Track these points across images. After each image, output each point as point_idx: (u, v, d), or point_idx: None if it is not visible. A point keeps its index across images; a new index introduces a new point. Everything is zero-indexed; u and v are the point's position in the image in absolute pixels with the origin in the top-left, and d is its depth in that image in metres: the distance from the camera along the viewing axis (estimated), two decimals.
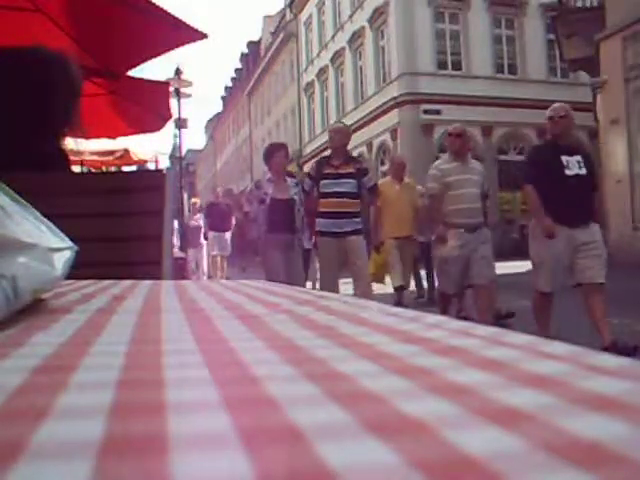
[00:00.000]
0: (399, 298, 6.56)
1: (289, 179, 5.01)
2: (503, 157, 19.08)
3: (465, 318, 4.64)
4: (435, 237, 4.86)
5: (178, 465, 0.16)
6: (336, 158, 4.84)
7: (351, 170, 4.80)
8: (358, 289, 4.76)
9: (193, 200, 11.81)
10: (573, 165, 3.92)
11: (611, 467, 0.15)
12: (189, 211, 11.87)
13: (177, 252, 8.78)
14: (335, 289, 4.71)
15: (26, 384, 0.25)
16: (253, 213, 4.92)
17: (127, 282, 0.93)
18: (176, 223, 10.27)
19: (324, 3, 26.00)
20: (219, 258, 10.99)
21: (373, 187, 5.06)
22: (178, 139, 16.86)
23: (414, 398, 0.23)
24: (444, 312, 4.71)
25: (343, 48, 23.74)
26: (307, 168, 25.09)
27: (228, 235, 11.03)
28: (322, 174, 4.82)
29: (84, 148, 5.94)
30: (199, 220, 10.72)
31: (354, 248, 4.73)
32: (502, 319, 5.07)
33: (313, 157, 25.94)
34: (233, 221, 11.21)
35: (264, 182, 5.04)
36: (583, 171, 3.91)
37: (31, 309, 0.52)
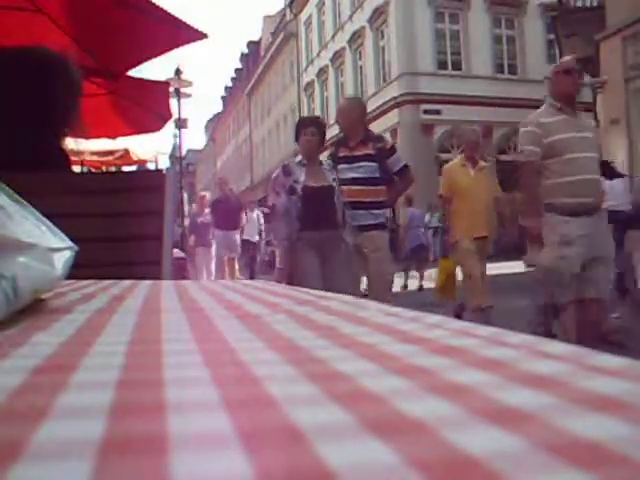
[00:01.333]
0: (459, 311, 5.08)
1: (325, 163, 3.92)
2: (503, 157, 19.09)
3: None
4: (529, 235, 3.41)
5: (178, 465, 0.16)
6: (351, 138, 3.99)
7: (369, 151, 3.91)
8: (372, 294, 3.91)
9: (201, 194, 10.70)
10: None
11: (611, 467, 0.15)
12: (189, 205, 11.37)
13: (177, 252, 8.64)
14: (358, 287, 4.09)
15: (26, 384, 0.25)
16: (282, 206, 3.89)
17: (127, 282, 0.93)
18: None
19: (324, 3, 26.00)
20: (226, 260, 9.64)
21: (403, 169, 4.03)
22: (178, 139, 16.85)
23: (414, 398, 0.23)
24: (548, 329, 3.37)
25: (343, 48, 23.75)
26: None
27: (237, 234, 9.75)
28: (337, 158, 4.01)
29: (84, 148, 5.93)
30: (207, 216, 9.48)
31: (372, 244, 3.90)
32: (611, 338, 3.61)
33: None
34: (243, 219, 9.98)
35: (293, 166, 3.84)
36: None
37: (31, 309, 0.52)
